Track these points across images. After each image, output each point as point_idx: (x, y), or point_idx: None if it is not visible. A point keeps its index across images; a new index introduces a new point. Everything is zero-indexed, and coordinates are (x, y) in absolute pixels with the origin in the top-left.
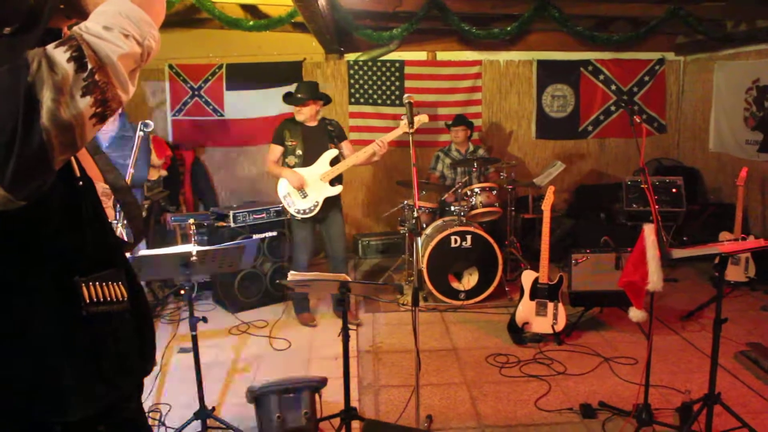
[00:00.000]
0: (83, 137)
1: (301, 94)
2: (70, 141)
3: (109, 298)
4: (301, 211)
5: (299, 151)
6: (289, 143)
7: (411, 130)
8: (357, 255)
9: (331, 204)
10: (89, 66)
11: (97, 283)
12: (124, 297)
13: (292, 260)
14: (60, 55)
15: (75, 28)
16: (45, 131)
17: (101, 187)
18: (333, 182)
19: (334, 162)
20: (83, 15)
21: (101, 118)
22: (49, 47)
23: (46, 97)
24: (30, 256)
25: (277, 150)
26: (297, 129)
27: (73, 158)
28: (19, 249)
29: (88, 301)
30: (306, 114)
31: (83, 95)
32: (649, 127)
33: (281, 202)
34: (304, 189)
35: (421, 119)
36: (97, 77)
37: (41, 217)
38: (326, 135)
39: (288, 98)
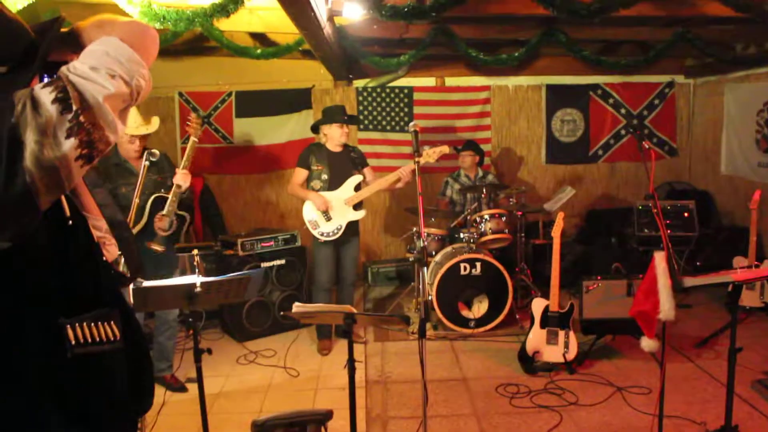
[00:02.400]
0: (70, 179)
1: (345, 115)
2: (56, 183)
3: (98, 339)
4: (325, 234)
5: (325, 176)
6: (315, 168)
7: (417, 158)
8: (367, 282)
9: (352, 228)
10: (74, 107)
11: (85, 323)
12: (116, 337)
13: (313, 281)
14: (45, 96)
15: (63, 68)
16: (29, 173)
17: (106, 224)
18: (356, 207)
19: (357, 188)
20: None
21: (88, 160)
22: (36, 88)
23: (30, 139)
24: (14, 298)
25: (302, 174)
26: (323, 154)
27: (63, 197)
28: (2, 290)
29: (74, 342)
30: (346, 134)
31: (68, 137)
32: (660, 151)
33: (304, 224)
34: (328, 212)
35: (442, 150)
36: (82, 119)
37: (26, 258)
38: (350, 161)
39: (333, 118)
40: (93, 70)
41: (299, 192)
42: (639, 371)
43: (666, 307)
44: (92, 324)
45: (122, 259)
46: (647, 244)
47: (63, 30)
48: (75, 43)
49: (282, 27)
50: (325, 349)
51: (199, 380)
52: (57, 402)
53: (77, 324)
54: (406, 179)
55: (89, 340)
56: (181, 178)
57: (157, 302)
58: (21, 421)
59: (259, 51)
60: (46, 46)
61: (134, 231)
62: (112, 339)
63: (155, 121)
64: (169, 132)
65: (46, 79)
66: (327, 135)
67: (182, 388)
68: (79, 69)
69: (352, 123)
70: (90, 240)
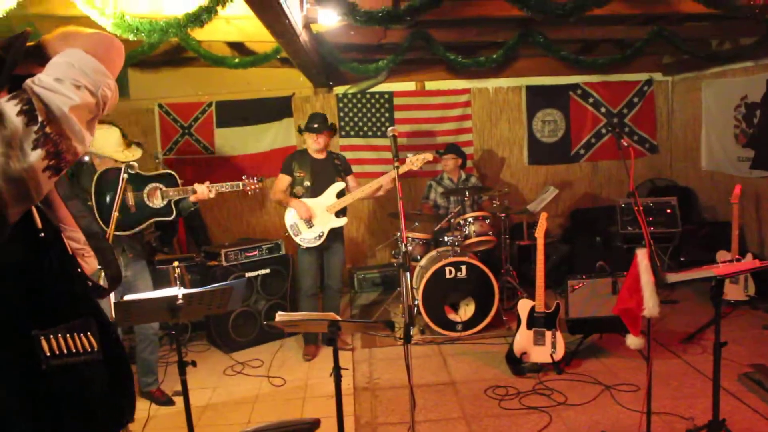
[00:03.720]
0: (38, 190)
1: (317, 124)
2: (24, 194)
3: (74, 350)
4: (306, 240)
5: (307, 183)
6: (298, 174)
7: (397, 163)
8: (353, 289)
9: (335, 235)
10: (39, 119)
11: (59, 335)
12: (93, 348)
13: (299, 287)
14: (10, 108)
15: (27, 80)
16: None
17: (83, 236)
18: (338, 214)
19: (340, 195)
20: None
21: (56, 171)
22: (1, 101)
23: None
24: None
25: (285, 180)
26: (305, 161)
27: (34, 209)
28: None
29: (48, 354)
30: (322, 143)
31: (34, 148)
32: (641, 148)
33: (287, 231)
34: (311, 219)
35: (425, 157)
36: (48, 130)
37: None
38: (333, 168)
39: (307, 126)
40: (58, 81)
41: (282, 198)
42: (627, 369)
43: (650, 304)
44: (68, 335)
45: (101, 272)
46: (632, 242)
47: (29, 44)
48: (41, 57)
49: (259, 36)
50: (310, 354)
51: (185, 393)
52: (29, 418)
53: (51, 336)
54: (388, 187)
55: (65, 351)
56: (202, 188)
57: (139, 316)
58: None
59: (237, 60)
60: (12, 60)
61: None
62: (89, 350)
63: (136, 152)
64: (150, 144)
65: None
66: (306, 142)
67: (169, 402)
68: (44, 81)
69: (324, 131)
70: (64, 251)
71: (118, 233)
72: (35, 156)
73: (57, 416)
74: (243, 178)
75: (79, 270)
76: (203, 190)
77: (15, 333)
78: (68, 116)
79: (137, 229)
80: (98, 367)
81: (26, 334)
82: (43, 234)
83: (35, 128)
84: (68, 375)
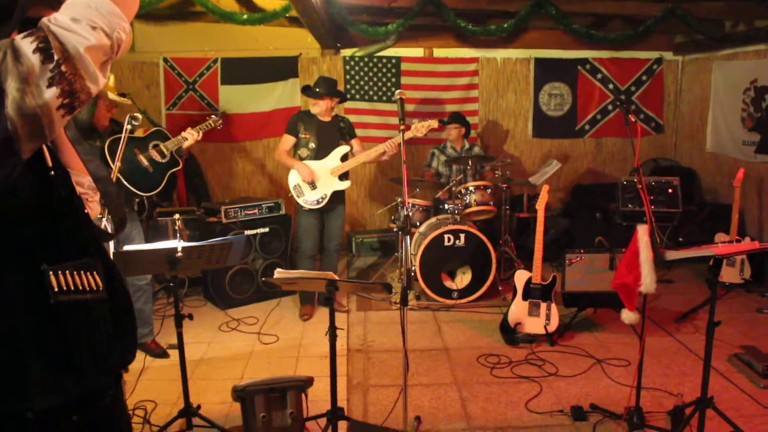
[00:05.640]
0: (51, 128)
1: (319, 88)
2: (37, 131)
3: (81, 287)
4: (309, 202)
5: (312, 144)
6: (303, 135)
7: (403, 126)
8: (351, 252)
9: (337, 198)
10: (55, 57)
11: (68, 271)
12: (99, 286)
13: (298, 247)
14: (26, 45)
15: (44, 19)
16: (9, 120)
17: (88, 180)
18: (342, 177)
19: (344, 158)
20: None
21: (69, 109)
22: (17, 38)
23: (11, 87)
24: None
25: (289, 140)
26: (311, 122)
27: (45, 147)
28: None
29: (56, 289)
30: (321, 107)
31: (49, 86)
32: (647, 127)
33: (289, 192)
34: (314, 182)
35: (431, 124)
36: (63, 68)
37: (9, 206)
38: (338, 131)
39: (306, 91)
40: (74, 21)
41: (285, 159)
42: (619, 344)
43: (647, 280)
44: (75, 272)
45: (103, 218)
46: (631, 219)
47: None
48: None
49: None
50: (306, 314)
51: (180, 345)
52: (39, 349)
53: (59, 271)
54: (392, 152)
55: (72, 288)
56: (191, 134)
57: (138, 267)
58: (1, 366)
59: (245, 16)
60: (25, 1)
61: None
62: (95, 288)
63: (125, 100)
64: (153, 98)
65: None
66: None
67: (164, 354)
68: (60, 20)
69: (324, 96)
70: (72, 191)
71: (146, 194)
72: (50, 93)
73: (66, 351)
74: (211, 117)
75: (86, 211)
76: (192, 135)
77: (26, 267)
78: (83, 56)
79: (162, 186)
80: (103, 306)
81: (36, 269)
82: (53, 172)
83: (51, 66)
84: (75, 311)
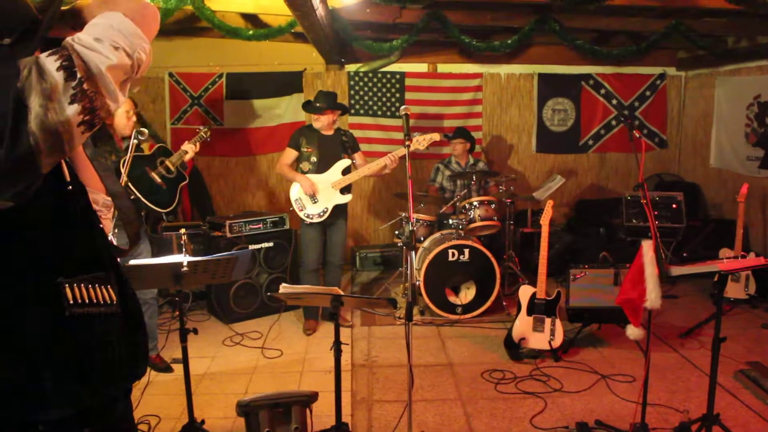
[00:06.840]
0: (71, 143)
1: (320, 103)
2: (58, 146)
3: (95, 301)
4: (310, 216)
5: (314, 158)
6: (305, 149)
7: (408, 142)
8: (354, 267)
9: (339, 211)
10: (78, 75)
11: (83, 285)
12: (112, 300)
13: (301, 262)
14: (51, 63)
15: (68, 38)
16: (32, 135)
17: (103, 198)
18: (343, 191)
19: (346, 171)
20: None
21: (90, 126)
22: (42, 56)
23: (35, 103)
24: (14, 257)
25: (291, 154)
26: (313, 136)
27: (63, 163)
28: (3, 250)
29: (71, 302)
30: (323, 122)
31: (71, 102)
32: (650, 143)
33: (291, 205)
34: (315, 195)
35: (432, 137)
36: (85, 86)
37: (27, 219)
38: (340, 145)
39: (307, 106)
40: (97, 41)
41: (287, 172)
42: (624, 360)
43: (653, 296)
44: (89, 285)
45: (114, 237)
46: (635, 235)
47: (64, 8)
48: (75, 21)
49: (274, 8)
50: (310, 329)
51: (185, 360)
52: (52, 360)
53: (75, 284)
54: (393, 166)
55: (86, 301)
56: (189, 147)
57: (143, 281)
58: (14, 377)
59: (250, 32)
60: (48, 21)
61: None
62: (109, 302)
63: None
64: (159, 112)
65: None
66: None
67: (168, 368)
68: (84, 40)
69: (326, 111)
70: (88, 206)
71: (163, 211)
72: (72, 110)
73: (79, 363)
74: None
75: (101, 226)
76: (191, 147)
77: (42, 279)
78: (105, 75)
79: (177, 201)
80: (116, 319)
81: (52, 281)
82: (71, 187)
83: (74, 83)
84: (89, 325)
